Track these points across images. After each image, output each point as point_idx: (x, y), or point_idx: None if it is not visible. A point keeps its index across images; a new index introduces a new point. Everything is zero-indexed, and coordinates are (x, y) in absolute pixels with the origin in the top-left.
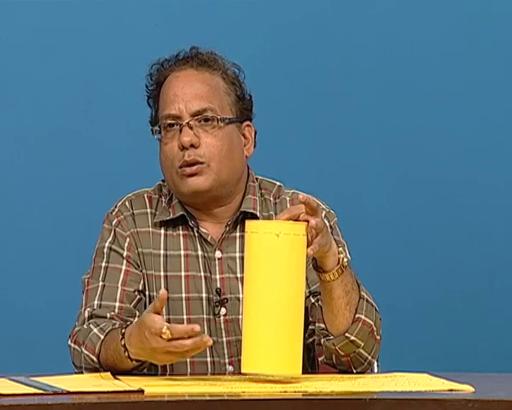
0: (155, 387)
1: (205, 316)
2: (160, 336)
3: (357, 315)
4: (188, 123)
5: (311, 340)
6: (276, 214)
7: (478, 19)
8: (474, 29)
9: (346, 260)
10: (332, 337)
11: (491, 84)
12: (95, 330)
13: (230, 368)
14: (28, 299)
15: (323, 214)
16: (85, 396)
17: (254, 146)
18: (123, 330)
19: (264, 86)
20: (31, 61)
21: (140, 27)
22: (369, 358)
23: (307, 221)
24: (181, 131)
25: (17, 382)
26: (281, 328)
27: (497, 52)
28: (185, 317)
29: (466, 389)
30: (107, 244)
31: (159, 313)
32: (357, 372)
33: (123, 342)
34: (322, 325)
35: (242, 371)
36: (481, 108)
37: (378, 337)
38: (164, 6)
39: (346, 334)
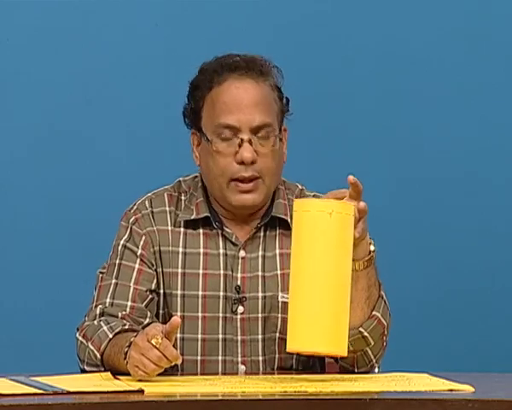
0: (155, 387)
1: (220, 314)
2: (150, 341)
3: (374, 312)
4: (249, 140)
5: None
6: None
7: (478, 19)
8: (473, 29)
9: (374, 252)
10: None
11: (493, 84)
12: (104, 327)
13: (242, 367)
14: (28, 299)
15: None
16: (85, 396)
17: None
18: (132, 339)
19: None
20: (31, 61)
21: (140, 27)
22: (373, 361)
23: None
24: (239, 145)
25: (17, 382)
26: (328, 306)
27: (497, 52)
28: (200, 314)
29: (466, 389)
30: (122, 242)
31: (168, 337)
32: (358, 372)
33: (126, 350)
34: None
35: (288, 349)
36: (483, 108)
37: (385, 343)
38: (164, 6)
39: (361, 329)
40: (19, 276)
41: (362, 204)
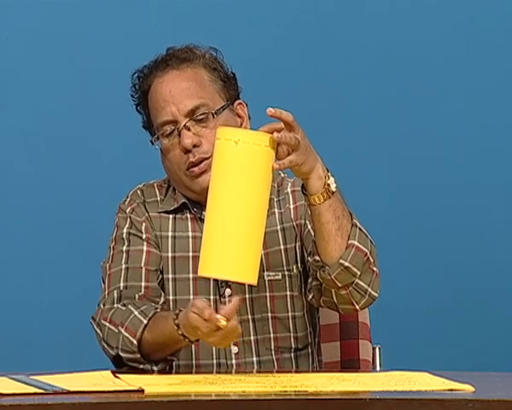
0: (155, 387)
1: (212, 297)
2: (199, 315)
3: (349, 241)
4: (185, 125)
5: (310, 296)
6: (277, 199)
7: (478, 19)
8: (474, 29)
9: (334, 185)
10: (327, 268)
11: (494, 88)
12: (135, 312)
13: (235, 349)
14: (28, 298)
15: None
16: (85, 396)
17: (249, 118)
18: (177, 311)
19: (265, 87)
20: (31, 61)
21: (140, 27)
22: (369, 290)
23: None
24: (179, 134)
25: (17, 380)
26: (238, 235)
27: (498, 53)
28: (191, 297)
29: (466, 388)
30: (125, 230)
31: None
32: (361, 308)
33: (176, 322)
34: (317, 258)
35: (199, 273)
36: (482, 112)
37: (375, 269)
38: (164, 6)
39: (341, 260)
40: (19, 275)
41: (276, 134)
